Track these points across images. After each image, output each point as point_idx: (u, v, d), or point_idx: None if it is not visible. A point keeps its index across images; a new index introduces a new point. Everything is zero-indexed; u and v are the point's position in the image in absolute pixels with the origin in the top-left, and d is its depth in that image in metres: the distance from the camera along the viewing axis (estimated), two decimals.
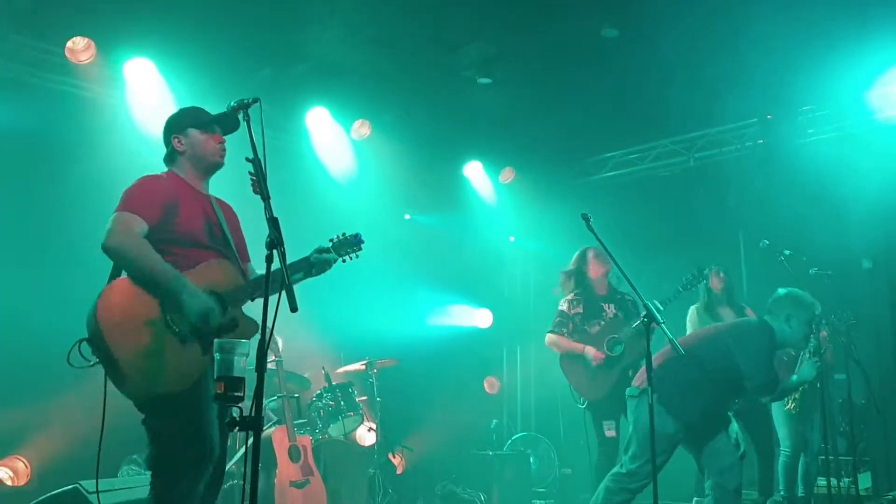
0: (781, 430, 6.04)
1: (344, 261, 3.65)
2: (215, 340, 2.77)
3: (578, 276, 6.16)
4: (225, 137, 3.57)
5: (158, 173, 3.50)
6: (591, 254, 6.12)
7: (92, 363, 3.08)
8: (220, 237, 3.47)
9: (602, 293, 6.08)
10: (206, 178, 3.60)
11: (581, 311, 6.03)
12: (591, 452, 5.86)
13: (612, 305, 6.01)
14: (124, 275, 3.21)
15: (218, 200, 3.61)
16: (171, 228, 3.29)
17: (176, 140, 3.52)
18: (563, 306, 6.11)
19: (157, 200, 3.28)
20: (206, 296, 3.17)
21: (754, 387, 4.71)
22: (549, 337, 6.09)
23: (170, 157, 3.56)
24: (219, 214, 3.52)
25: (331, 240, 3.63)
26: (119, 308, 3.09)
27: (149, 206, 3.25)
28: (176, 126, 3.55)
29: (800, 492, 6.05)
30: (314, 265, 3.52)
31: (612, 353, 5.76)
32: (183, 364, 3.12)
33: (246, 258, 3.65)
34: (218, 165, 3.57)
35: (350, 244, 3.65)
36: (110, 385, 3.09)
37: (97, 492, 3.55)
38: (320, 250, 3.56)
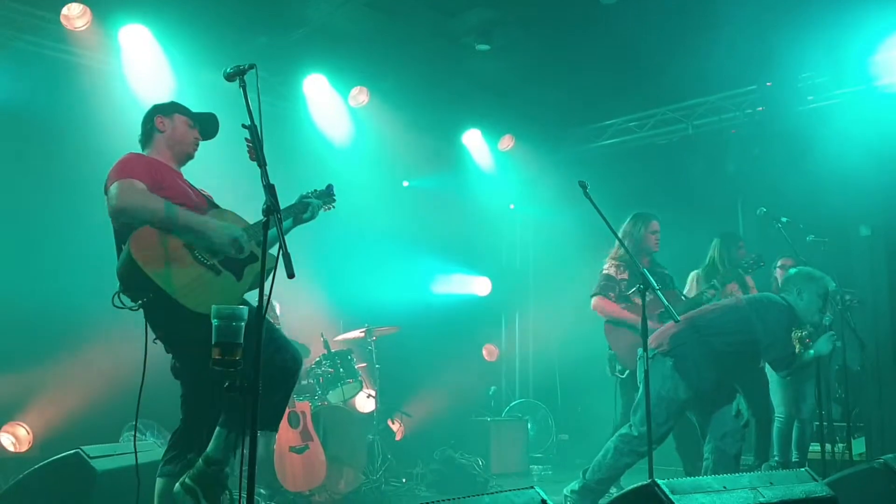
0: (776, 397, 6.08)
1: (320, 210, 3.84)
2: (213, 307, 2.79)
3: (633, 240, 5.77)
4: (200, 141, 3.73)
5: (145, 154, 3.63)
6: (654, 223, 5.83)
7: (136, 306, 3.24)
8: (206, 208, 3.58)
9: (645, 265, 5.73)
10: (179, 166, 3.70)
11: (626, 277, 5.74)
12: (615, 421, 5.63)
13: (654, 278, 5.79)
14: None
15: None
16: (163, 195, 3.39)
17: (159, 119, 3.64)
18: (610, 270, 5.79)
19: (147, 171, 3.41)
20: (234, 228, 3.40)
21: (772, 360, 4.75)
22: (596, 301, 5.75)
23: (145, 138, 3.68)
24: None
25: (302, 195, 3.83)
26: (152, 248, 3.25)
27: (142, 174, 3.36)
28: (163, 108, 3.68)
29: (794, 457, 6.12)
30: (298, 209, 3.70)
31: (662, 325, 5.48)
32: (223, 290, 3.32)
33: None
34: (189, 156, 3.71)
35: (323, 196, 3.89)
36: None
37: (136, 451, 3.57)
38: (304, 197, 3.79)
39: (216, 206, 3.64)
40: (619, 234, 5.51)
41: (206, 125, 3.74)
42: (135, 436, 3.48)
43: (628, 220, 5.86)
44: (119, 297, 3.27)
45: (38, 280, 5.58)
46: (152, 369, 3.36)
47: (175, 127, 3.65)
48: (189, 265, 3.30)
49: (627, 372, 5.63)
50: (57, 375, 5.66)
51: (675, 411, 4.63)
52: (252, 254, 3.43)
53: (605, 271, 5.81)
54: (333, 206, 3.95)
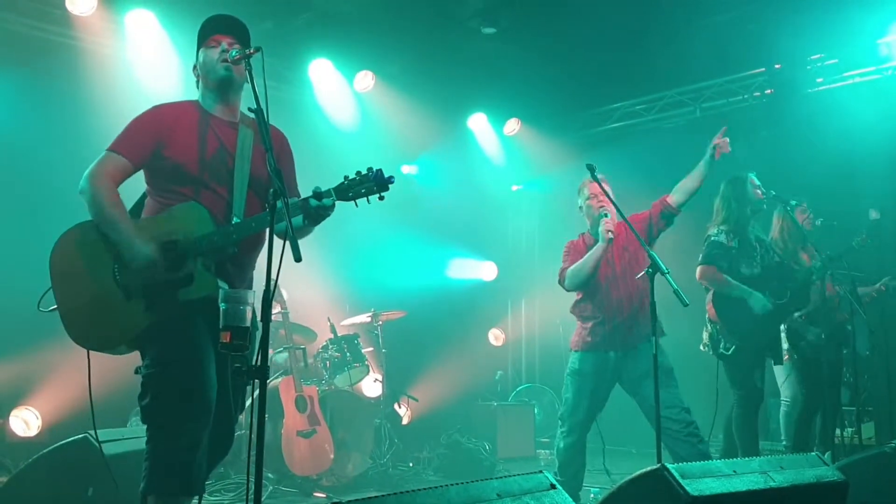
0: (780, 381, 6.06)
1: (356, 204, 3.05)
2: (220, 290, 2.77)
3: (739, 202, 5.35)
4: (234, 39, 3.19)
5: (173, 102, 3.27)
6: (752, 178, 5.43)
7: (52, 308, 3.07)
8: (226, 170, 3.14)
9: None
10: (225, 99, 3.22)
11: (735, 246, 5.31)
12: (720, 402, 5.28)
13: (758, 246, 5.41)
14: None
15: (254, 124, 3.15)
16: (161, 165, 3.10)
17: (194, 68, 3.31)
18: (720, 237, 5.30)
19: (147, 137, 3.10)
20: (147, 249, 2.95)
21: None
22: (704, 269, 5.27)
23: (198, 89, 3.32)
24: (242, 141, 3.19)
25: (346, 177, 3.03)
26: (69, 257, 3.05)
27: (136, 145, 3.10)
28: (196, 54, 3.31)
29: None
30: (310, 213, 3.00)
31: (780, 301, 5.24)
32: (120, 319, 2.98)
33: (289, 191, 3.22)
34: (226, 79, 3.17)
35: (365, 183, 3.00)
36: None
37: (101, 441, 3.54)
38: (316, 194, 3.00)
39: (227, 181, 3.12)
40: (719, 204, 5.45)
41: (221, 27, 3.24)
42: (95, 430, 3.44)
43: (725, 185, 5.50)
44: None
45: (43, 264, 5.57)
46: None
47: (200, 65, 3.23)
48: (99, 282, 2.99)
49: (733, 348, 5.25)
50: (65, 360, 5.65)
51: None
52: (189, 275, 2.97)
53: (713, 238, 5.34)
54: (382, 198, 3.04)
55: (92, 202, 3.04)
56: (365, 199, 3.01)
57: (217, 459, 3.21)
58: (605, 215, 4.79)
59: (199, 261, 2.99)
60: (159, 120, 3.14)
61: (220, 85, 3.19)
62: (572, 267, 4.92)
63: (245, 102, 3.06)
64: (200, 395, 2.93)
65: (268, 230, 2.68)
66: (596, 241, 4.86)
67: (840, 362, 5.91)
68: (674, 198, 4.86)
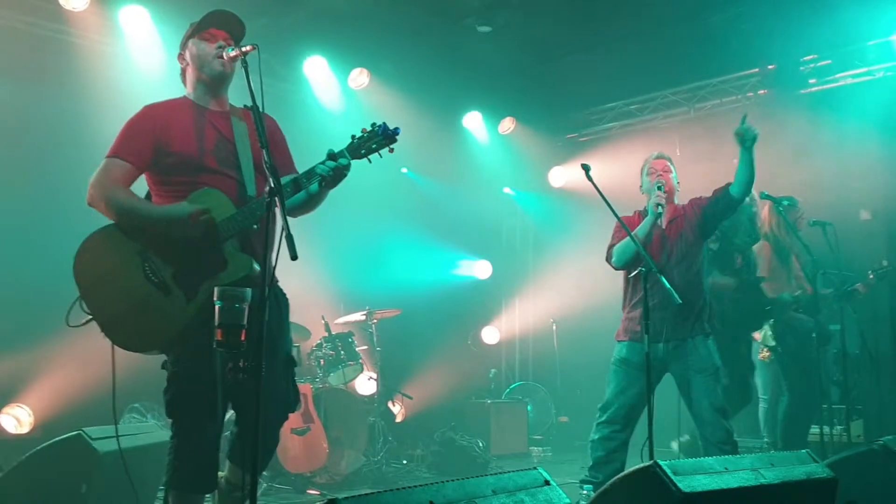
0: (759, 379, 6.09)
1: (370, 160, 3.15)
2: (215, 288, 2.74)
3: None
4: (228, 35, 3.21)
5: (163, 101, 3.24)
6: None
7: (85, 321, 3.01)
8: (230, 156, 3.17)
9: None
10: (216, 93, 3.25)
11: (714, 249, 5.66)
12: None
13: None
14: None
15: (246, 113, 3.15)
16: (166, 162, 3.10)
17: (180, 56, 3.31)
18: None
19: (145, 139, 3.09)
20: (189, 208, 2.98)
21: None
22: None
23: (182, 77, 3.33)
24: (238, 130, 3.22)
25: (353, 136, 3.13)
26: (95, 265, 3.00)
27: (135, 148, 3.08)
28: (182, 42, 3.31)
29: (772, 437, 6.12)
30: (324, 176, 3.04)
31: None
32: (163, 318, 2.97)
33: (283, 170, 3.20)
34: (221, 74, 3.19)
35: (374, 138, 3.10)
36: None
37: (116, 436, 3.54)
38: (332, 155, 3.08)
39: (235, 167, 3.14)
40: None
41: (218, 22, 3.23)
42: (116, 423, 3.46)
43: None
44: (80, 304, 2.99)
45: (38, 260, 5.57)
46: None
47: (191, 56, 3.22)
48: (133, 284, 2.96)
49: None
50: (58, 357, 5.66)
51: None
52: (222, 259, 3.00)
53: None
54: (392, 150, 3.15)
55: (109, 205, 3.02)
56: (377, 153, 3.11)
57: (268, 454, 3.32)
58: (660, 187, 4.58)
59: (229, 243, 3.02)
60: (153, 119, 3.13)
61: (214, 79, 3.20)
62: (620, 242, 4.60)
63: (241, 99, 3.06)
64: (214, 395, 2.99)
65: (267, 226, 2.68)
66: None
67: (820, 361, 5.94)
68: (732, 186, 4.63)
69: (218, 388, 3.00)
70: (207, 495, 3.14)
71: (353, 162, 3.12)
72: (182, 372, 3.00)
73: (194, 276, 2.98)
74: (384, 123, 3.09)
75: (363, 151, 3.10)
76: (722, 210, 4.63)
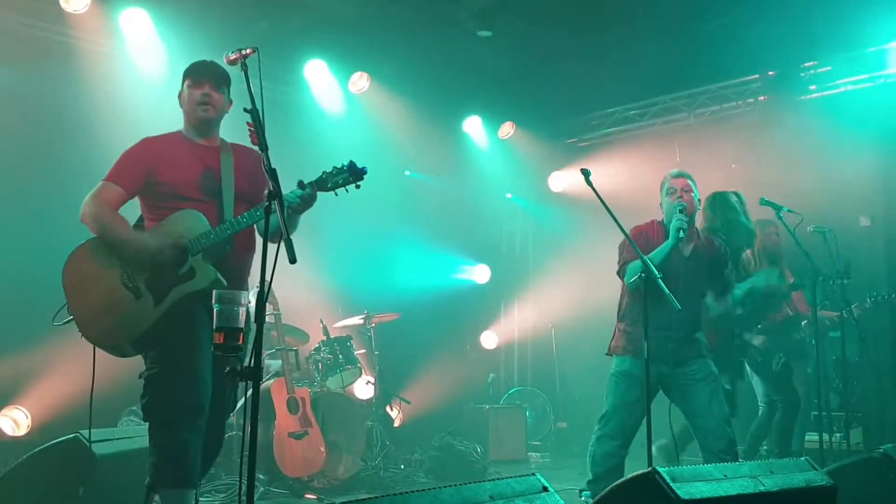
0: (757, 388, 6.08)
1: (336, 193, 3.37)
2: (214, 291, 2.80)
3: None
4: (214, 86, 3.48)
5: (159, 135, 3.55)
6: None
7: (67, 320, 3.32)
8: (214, 186, 3.45)
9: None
10: (204, 132, 3.54)
11: None
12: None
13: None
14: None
15: (235, 147, 3.59)
16: (156, 190, 3.41)
17: (179, 95, 3.58)
18: None
19: (138, 168, 3.41)
20: (153, 241, 3.29)
21: None
22: None
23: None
24: (224, 163, 3.51)
25: (323, 171, 3.37)
26: (80, 269, 3.32)
27: (128, 175, 3.41)
28: (181, 82, 3.58)
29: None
30: (293, 204, 3.27)
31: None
32: (133, 317, 3.25)
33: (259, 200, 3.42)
34: (203, 119, 3.49)
35: (341, 174, 3.33)
36: None
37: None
38: (301, 185, 3.32)
39: (218, 195, 3.42)
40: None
41: (201, 72, 3.50)
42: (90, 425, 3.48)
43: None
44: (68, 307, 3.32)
45: (37, 262, 5.56)
46: None
47: (183, 97, 3.54)
48: (109, 287, 3.28)
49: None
50: (56, 359, 5.64)
51: None
52: (191, 270, 3.28)
53: None
54: (358, 187, 3.35)
55: (94, 222, 3.33)
56: (343, 188, 3.34)
57: (210, 459, 3.46)
58: (682, 210, 4.40)
59: (199, 256, 3.30)
60: (147, 151, 3.46)
61: (200, 123, 3.52)
62: (636, 262, 4.26)
63: (241, 102, 3.06)
64: (193, 395, 3.18)
65: (261, 231, 2.74)
66: (665, 232, 4.53)
67: (791, 374, 5.95)
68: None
69: (197, 386, 3.20)
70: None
71: (357, 163, 3.34)
72: (156, 375, 3.24)
73: (165, 282, 3.28)
74: (352, 161, 3.34)
75: (329, 185, 3.33)
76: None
